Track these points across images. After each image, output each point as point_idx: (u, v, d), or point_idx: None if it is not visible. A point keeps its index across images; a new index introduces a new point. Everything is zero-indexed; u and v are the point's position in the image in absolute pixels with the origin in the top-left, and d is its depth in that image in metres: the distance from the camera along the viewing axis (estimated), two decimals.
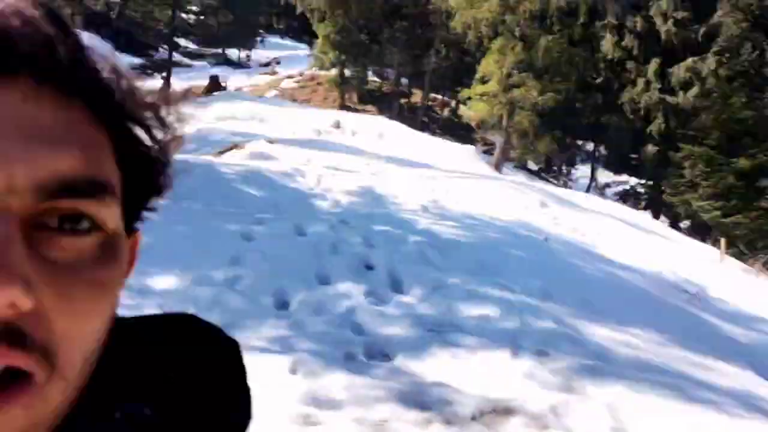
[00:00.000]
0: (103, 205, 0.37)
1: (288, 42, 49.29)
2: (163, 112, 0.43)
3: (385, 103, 31.76)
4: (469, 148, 23.03)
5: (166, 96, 0.43)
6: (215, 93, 23.86)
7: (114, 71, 0.40)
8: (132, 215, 0.44)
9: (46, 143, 0.35)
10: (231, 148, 11.99)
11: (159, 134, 0.43)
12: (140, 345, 0.46)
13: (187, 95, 0.45)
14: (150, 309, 4.25)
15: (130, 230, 0.44)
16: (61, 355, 0.35)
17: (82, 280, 0.36)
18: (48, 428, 0.36)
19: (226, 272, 4.91)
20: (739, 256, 14.17)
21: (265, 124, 17.96)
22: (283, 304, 4.63)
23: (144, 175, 0.43)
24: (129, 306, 4.22)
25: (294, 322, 4.32)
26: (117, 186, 0.39)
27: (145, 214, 0.46)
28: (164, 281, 4.68)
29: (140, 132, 0.42)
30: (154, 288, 4.59)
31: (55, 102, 0.36)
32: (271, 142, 12.56)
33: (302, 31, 43.93)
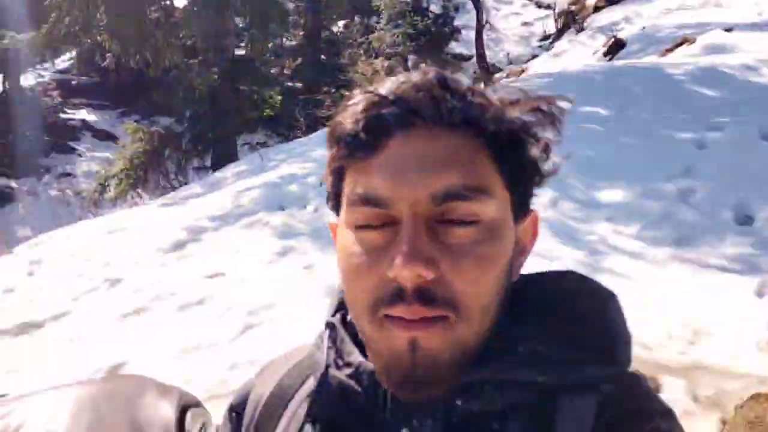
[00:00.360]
0: (480, 203, 0.54)
1: None
2: (530, 122, 0.58)
3: None
4: None
5: (532, 106, 0.58)
6: None
7: (484, 103, 0.56)
8: (521, 201, 0.59)
9: (437, 167, 0.53)
10: (680, 44, 10.90)
11: (530, 138, 0.58)
12: (537, 296, 0.60)
13: (550, 103, 0.59)
14: (598, 222, 4.34)
15: (523, 212, 0.60)
16: (462, 306, 0.52)
17: (470, 255, 0.53)
18: (468, 352, 0.54)
19: (678, 184, 4.61)
20: None
21: (723, 9, 15.72)
22: (745, 220, 4.14)
23: (521, 171, 0.58)
24: (577, 218, 4.38)
25: (760, 239, 3.83)
26: (495, 185, 0.56)
27: (534, 193, 0.62)
28: (611, 194, 4.68)
29: (513, 140, 0.57)
30: (601, 201, 4.64)
31: (442, 138, 0.54)
32: (728, 30, 10.95)
33: None
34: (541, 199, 4.63)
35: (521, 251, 0.61)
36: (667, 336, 2.89)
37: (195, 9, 11.10)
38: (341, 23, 20.47)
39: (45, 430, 0.97)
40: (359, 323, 0.57)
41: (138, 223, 6.56)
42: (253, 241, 5.06)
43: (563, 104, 0.59)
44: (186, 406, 1.01)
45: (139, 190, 11.46)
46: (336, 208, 0.61)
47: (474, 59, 16.23)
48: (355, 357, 0.59)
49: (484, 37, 15.14)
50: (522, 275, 0.63)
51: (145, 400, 1.08)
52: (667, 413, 0.54)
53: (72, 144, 20.41)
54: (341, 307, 0.64)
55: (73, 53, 23.99)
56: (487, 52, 15.69)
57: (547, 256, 3.87)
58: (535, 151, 0.58)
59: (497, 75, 15.33)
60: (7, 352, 3.79)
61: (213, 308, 3.89)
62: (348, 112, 0.57)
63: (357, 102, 0.56)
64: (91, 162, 19.34)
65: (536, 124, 0.58)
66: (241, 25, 13.61)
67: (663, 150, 5.24)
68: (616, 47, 12.12)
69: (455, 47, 19.11)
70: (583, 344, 0.56)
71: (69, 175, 18.94)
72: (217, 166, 11.27)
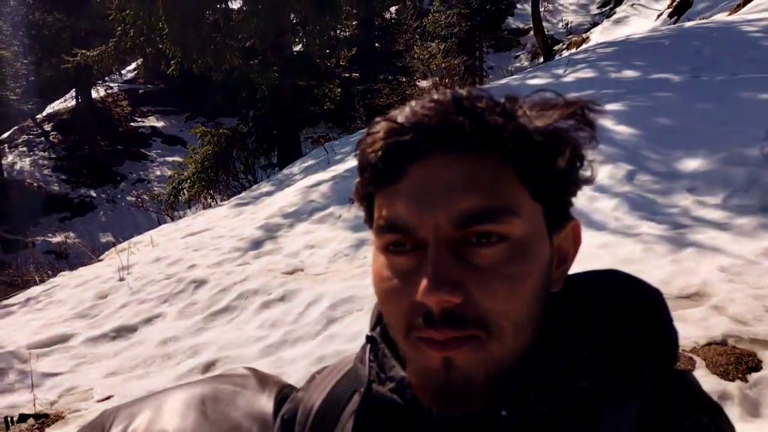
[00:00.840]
0: (504, 224, 0.53)
1: None
2: (560, 129, 0.56)
3: None
4: None
5: (562, 114, 0.56)
6: None
7: (502, 121, 0.55)
8: (556, 211, 0.58)
9: (457, 191, 0.53)
10: None
11: (556, 149, 0.56)
12: (580, 298, 0.59)
13: (578, 114, 0.57)
14: (679, 193, 4.19)
15: (560, 222, 0.59)
16: (492, 325, 0.53)
17: (497, 275, 0.53)
18: (504, 368, 0.54)
19: (763, 148, 4.38)
20: None
21: None
22: None
23: (549, 183, 0.56)
24: (655, 190, 4.24)
25: None
26: (522, 202, 0.55)
27: (571, 202, 0.60)
28: (690, 163, 4.50)
29: (536, 154, 0.55)
30: (681, 171, 4.47)
31: (462, 161, 0.54)
32: None
33: None
34: (616, 174, 4.51)
35: (563, 260, 0.61)
36: (764, 309, 2.78)
37: (252, 10, 11.29)
38: (393, 9, 20.40)
39: (160, 429, 1.04)
40: (397, 341, 0.59)
41: (215, 224, 6.78)
42: (327, 235, 5.15)
43: (597, 108, 0.58)
44: (285, 397, 1.06)
45: (211, 192, 11.83)
46: (371, 228, 0.63)
47: (531, 32, 15.88)
48: (397, 371, 0.60)
49: (541, 8, 14.76)
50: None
51: (246, 395, 1.14)
52: (711, 408, 0.54)
53: (144, 151, 21.26)
54: (381, 321, 0.66)
55: (139, 63, 24.98)
56: (545, 24, 15.30)
57: (627, 233, 3.78)
58: (563, 161, 0.56)
59: (556, 47, 14.94)
60: (106, 356, 4.01)
61: (295, 304, 3.99)
62: (370, 140, 0.58)
63: (378, 130, 0.58)
64: (162, 167, 20.09)
65: (569, 131, 0.57)
66: (295, 21, 13.76)
67: (743, 113, 4.99)
68: (681, 7, 11.59)
69: (511, 22, 18.74)
70: (627, 345, 0.56)
71: (143, 181, 19.75)
72: (283, 162, 11.51)
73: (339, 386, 0.71)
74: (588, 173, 0.59)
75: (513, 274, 0.53)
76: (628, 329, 0.57)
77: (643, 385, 0.55)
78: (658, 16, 12.89)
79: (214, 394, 1.12)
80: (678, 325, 2.26)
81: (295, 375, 3.17)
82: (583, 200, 4.30)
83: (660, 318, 0.58)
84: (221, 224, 6.71)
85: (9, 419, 3.32)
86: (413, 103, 0.57)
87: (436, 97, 0.57)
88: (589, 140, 0.58)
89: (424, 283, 0.52)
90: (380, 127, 0.58)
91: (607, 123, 5.31)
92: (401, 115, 0.57)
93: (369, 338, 0.66)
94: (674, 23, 10.93)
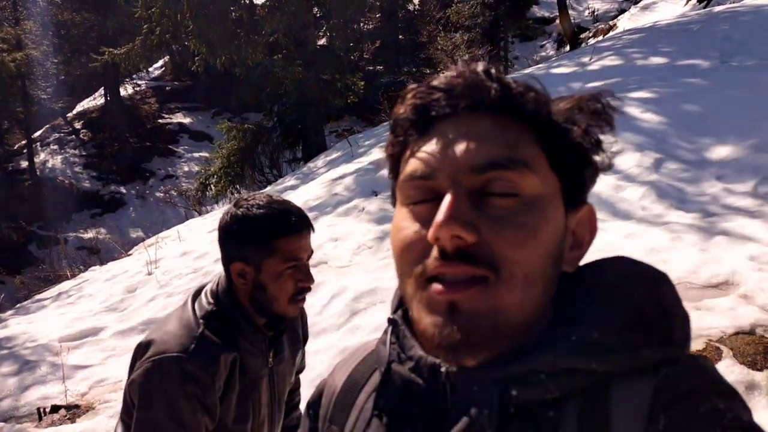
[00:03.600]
0: (521, 174, 0.56)
1: None
2: (576, 121, 0.59)
3: None
4: None
5: (578, 103, 0.60)
6: None
7: (526, 90, 0.59)
8: (573, 189, 0.60)
9: (479, 141, 0.57)
10: None
11: (573, 126, 0.59)
12: (590, 283, 0.60)
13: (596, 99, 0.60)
14: (708, 181, 4.11)
15: (576, 201, 0.61)
16: (502, 268, 0.54)
17: (511, 223, 0.55)
18: (510, 323, 0.55)
19: None
20: None
21: None
22: None
23: (567, 153, 0.59)
24: (683, 179, 4.16)
25: None
26: (539, 164, 0.57)
27: (588, 186, 0.62)
28: (720, 151, 4.41)
29: (555, 123, 0.59)
30: (709, 158, 4.38)
31: (488, 119, 0.58)
32: None
33: None
34: (644, 162, 4.44)
35: (578, 245, 0.62)
36: None
37: (275, 4, 11.33)
38: (417, 1, 20.31)
39: None
40: (406, 295, 0.60)
41: None
42: (351, 227, 5.17)
43: (613, 101, 0.60)
44: None
45: (237, 186, 11.94)
46: (394, 195, 0.65)
47: (557, 21, 15.69)
48: (416, 351, 0.61)
49: None
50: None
51: None
52: (728, 393, 0.52)
53: (171, 147, 21.54)
54: (402, 304, 0.67)
55: (166, 60, 25.29)
56: (571, 12, 15.10)
57: (654, 222, 3.72)
58: (579, 136, 0.59)
59: (583, 35, 14.74)
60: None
61: (319, 296, 4.01)
62: (402, 102, 0.63)
63: (410, 93, 0.62)
64: (190, 162, 20.34)
65: (583, 116, 0.60)
66: (319, 15, 13.79)
67: None
68: None
69: (536, 11, 18.52)
70: (637, 328, 0.56)
71: (171, 177, 20.02)
72: (308, 156, 11.55)
73: (360, 368, 0.73)
74: (606, 161, 0.61)
75: (526, 223, 0.56)
76: (636, 312, 0.56)
77: (654, 368, 0.54)
78: (687, 1, 12.62)
79: None
80: (705, 314, 2.24)
81: (319, 366, 3.20)
82: (609, 189, 4.24)
83: (668, 300, 0.58)
84: None
85: (42, 410, 3.40)
86: (445, 72, 0.61)
87: (466, 66, 0.61)
88: (606, 128, 0.60)
89: (438, 217, 0.54)
90: (412, 91, 0.62)
91: (633, 111, 5.23)
92: (434, 80, 0.61)
93: (390, 320, 0.67)
94: (703, 8, 10.69)
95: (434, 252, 0.55)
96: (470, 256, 0.54)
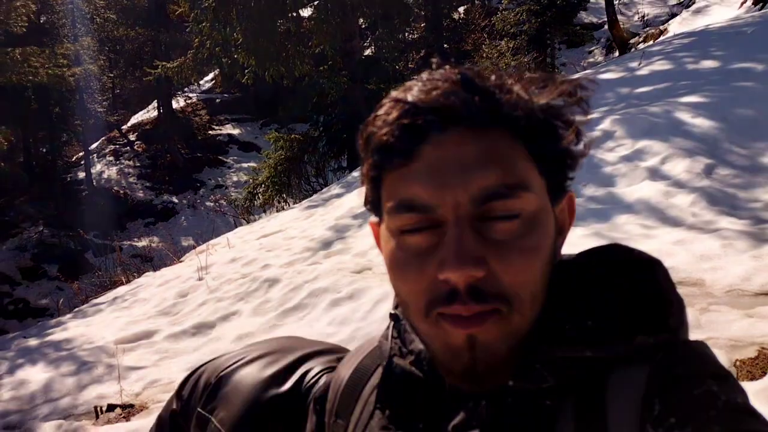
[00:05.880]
0: (520, 199, 0.55)
1: None
2: (558, 106, 0.58)
3: None
4: None
5: (559, 91, 0.58)
6: None
7: (513, 99, 0.56)
8: (557, 185, 0.60)
9: (474, 169, 0.54)
10: None
11: (561, 125, 0.58)
12: (584, 272, 0.60)
13: (577, 93, 0.59)
14: (762, 187, 4.00)
15: (560, 195, 0.61)
16: (513, 297, 0.54)
17: (515, 248, 0.54)
18: (522, 339, 0.56)
19: None
20: None
21: None
22: None
23: (556, 159, 0.59)
24: (735, 185, 4.05)
25: None
26: (533, 177, 0.56)
27: (570, 178, 0.61)
28: None
29: (546, 131, 0.57)
30: (763, 164, 4.27)
31: (476, 138, 0.55)
32: None
33: None
34: (694, 168, 4.34)
35: (560, 231, 0.62)
36: None
37: (322, 16, 11.52)
38: (461, 9, 20.29)
39: None
40: (413, 322, 0.60)
41: (287, 226, 6.97)
42: None
43: (589, 85, 0.60)
44: None
45: (284, 195, 12.13)
46: (375, 211, 0.63)
47: (605, 27, 15.45)
48: (416, 345, 0.63)
49: (616, 1, 14.34)
50: (568, 255, 0.64)
51: None
52: (722, 376, 0.52)
53: (221, 157, 22.03)
54: None
55: (216, 73, 25.91)
56: (620, 18, 14.85)
57: (705, 228, 3.63)
58: (567, 138, 0.58)
59: (632, 40, 14.47)
60: (186, 351, 4.20)
61: (363, 302, 4.05)
62: (379, 121, 0.57)
63: (387, 111, 0.57)
64: (239, 172, 20.76)
65: (564, 108, 0.59)
66: (364, 26, 13.92)
67: None
68: None
69: (584, 17, 18.26)
70: (631, 314, 0.56)
71: (221, 186, 20.47)
72: (352, 165, 11.65)
73: (364, 362, 0.74)
74: (582, 148, 0.61)
75: (529, 246, 0.55)
76: (630, 298, 0.57)
77: (649, 354, 0.54)
78: (742, 4, 12.26)
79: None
80: (758, 321, 2.19)
81: None
82: (658, 196, 4.17)
83: (662, 286, 0.58)
84: (293, 226, 6.89)
85: (98, 408, 3.54)
86: (419, 82, 0.57)
87: (441, 75, 0.57)
88: (583, 115, 0.60)
89: (448, 259, 0.53)
90: (389, 107, 0.57)
91: (683, 115, 5.12)
92: (409, 94, 0.56)
93: (392, 316, 0.69)
94: (758, 11, 10.37)
95: (444, 290, 0.54)
96: (481, 292, 0.53)
